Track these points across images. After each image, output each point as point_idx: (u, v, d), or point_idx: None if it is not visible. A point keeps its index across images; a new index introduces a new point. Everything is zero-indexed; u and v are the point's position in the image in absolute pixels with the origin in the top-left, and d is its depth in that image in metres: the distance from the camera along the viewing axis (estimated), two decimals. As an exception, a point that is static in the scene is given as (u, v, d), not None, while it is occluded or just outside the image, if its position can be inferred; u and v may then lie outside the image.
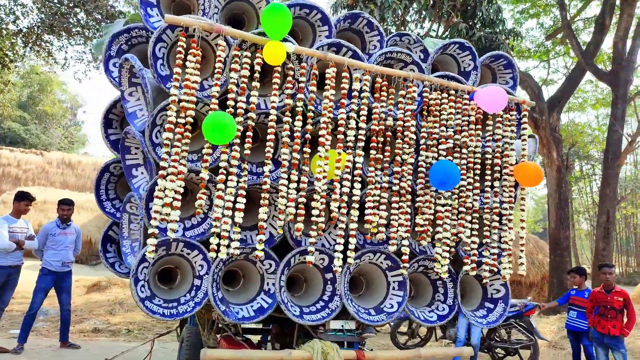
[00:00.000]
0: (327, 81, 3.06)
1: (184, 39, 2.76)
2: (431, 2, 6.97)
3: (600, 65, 14.90)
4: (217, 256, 2.89)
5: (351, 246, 3.07)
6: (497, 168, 3.50)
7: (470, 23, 7.74)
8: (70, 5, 9.27)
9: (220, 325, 4.04)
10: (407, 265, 3.26)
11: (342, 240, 3.02)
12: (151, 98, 2.89)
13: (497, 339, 7.03)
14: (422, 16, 7.56)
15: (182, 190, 2.71)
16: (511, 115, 3.58)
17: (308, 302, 3.44)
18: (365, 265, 3.49)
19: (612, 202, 12.08)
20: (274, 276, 3.27)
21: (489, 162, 3.50)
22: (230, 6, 3.50)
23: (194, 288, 3.18)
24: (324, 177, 2.99)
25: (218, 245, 2.84)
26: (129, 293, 11.94)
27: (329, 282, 3.41)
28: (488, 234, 3.43)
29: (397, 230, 3.18)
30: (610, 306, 5.93)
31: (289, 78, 3.07)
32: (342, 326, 3.34)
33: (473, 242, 3.37)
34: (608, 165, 12.02)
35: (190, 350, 4.75)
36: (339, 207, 3.04)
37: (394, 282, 3.49)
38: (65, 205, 6.33)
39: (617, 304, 5.90)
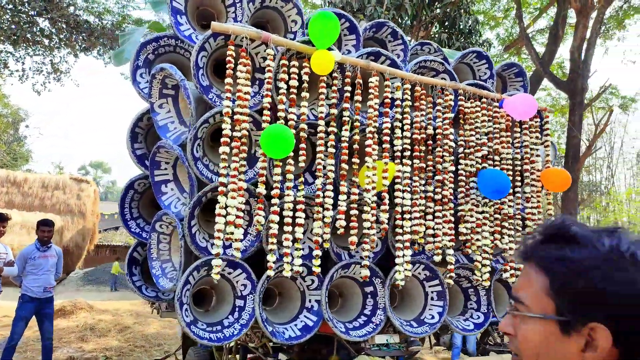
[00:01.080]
0: (370, 90, 3.01)
1: (233, 48, 2.63)
2: (415, 13, 7.09)
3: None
4: (267, 274, 2.74)
5: (407, 258, 3.01)
6: (527, 174, 3.56)
7: (449, 33, 7.94)
8: (32, 14, 8.73)
9: (246, 347, 3.88)
10: (453, 275, 3.23)
11: (402, 253, 2.96)
12: (194, 109, 2.73)
13: (491, 342, 7.16)
14: (404, 24, 7.66)
15: (243, 207, 2.56)
16: (535, 122, 3.66)
17: (347, 317, 3.34)
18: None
19: (573, 204, 12.67)
20: (315, 292, 3.16)
21: (519, 168, 3.55)
22: (257, 14, 3.39)
23: (237, 309, 3.01)
24: (373, 188, 2.92)
25: (277, 262, 2.70)
26: (98, 317, 11.35)
27: (369, 296, 3.33)
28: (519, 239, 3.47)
29: (442, 240, 3.15)
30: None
31: (334, 87, 3.00)
32: (387, 340, 3.27)
33: (510, 249, 3.40)
34: (569, 168, 12.63)
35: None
36: (389, 218, 2.98)
37: (432, 292, 3.46)
38: (46, 227, 5.93)
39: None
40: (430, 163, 3.20)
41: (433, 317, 3.39)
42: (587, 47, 12.84)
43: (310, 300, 3.18)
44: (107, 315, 11.15)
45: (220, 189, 2.55)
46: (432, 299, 3.46)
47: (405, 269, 3.03)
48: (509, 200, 3.44)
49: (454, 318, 3.60)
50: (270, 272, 2.78)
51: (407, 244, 3.04)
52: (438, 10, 7.40)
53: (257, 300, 2.91)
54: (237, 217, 2.54)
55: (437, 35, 7.76)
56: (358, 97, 2.96)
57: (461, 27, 7.93)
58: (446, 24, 8.23)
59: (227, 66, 2.62)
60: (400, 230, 3.03)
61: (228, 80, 2.61)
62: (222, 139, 2.56)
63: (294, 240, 2.70)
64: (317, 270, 2.83)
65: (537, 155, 3.62)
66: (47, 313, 5.92)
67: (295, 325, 3.12)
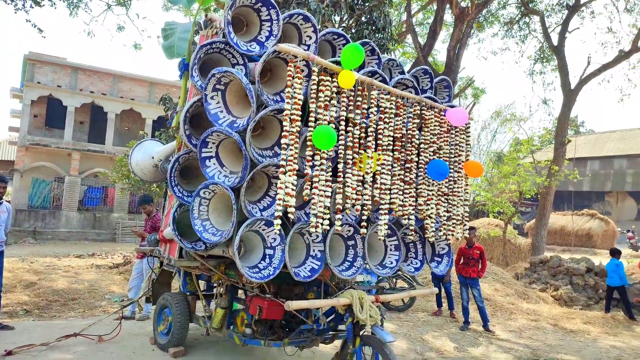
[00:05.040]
0: (371, 101, 4.16)
1: (292, 66, 3.56)
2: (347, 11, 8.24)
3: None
4: (314, 231, 3.77)
5: (385, 221, 4.27)
6: (456, 164, 5.04)
7: (370, 29, 9.26)
8: None
9: (242, 287, 4.85)
10: (414, 232, 4.61)
11: (383, 217, 4.21)
12: (255, 106, 3.62)
13: (385, 287, 8.94)
14: (330, 18, 8.77)
15: (296, 182, 3.56)
16: (462, 126, 5.14)
17: (336, 262, 4.53)
18: (371, 233, 4.73)
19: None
20: (319, 244, 4.28)
21: (453, 159, 5.02)
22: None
23: (267, 256, 4.02)
24: (369, 171, 4.12)
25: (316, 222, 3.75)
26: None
27: (350, 248, 4.56)
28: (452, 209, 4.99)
29: (408, 209, 4.49)
30: (471, 257, 8.25)
31: (343, 95, 4.08)
32: (364, 279, 4.55)
33: (444, 215, 4.88)
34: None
35: (183, 316, 5.39)
36: (379, 193, 4.21)
37: (391, 245, 4.81)
38: (1, 183, 6.05)
39: (476, 255, 8.25)
40: (402, 155, 4.49)
41: (392, 263, 4.76)
42: (459, 46, 15.27)
43: (314, 250, 4.30)
44: (5, 272, 10.74)
45: (281, 169, 3.52)
46: (390, 250, 4.82)
47: (384, 228, 4.31)
48: (445, 182, 4.90)
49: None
50: (313, 230, 3.77)
51: (386, 211, 4.31)
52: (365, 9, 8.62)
53: (287, 250, 3.96)
54: (292, 189, 3.54)
55: (359, 30, 9.01)
56: (365, 105, 4.09)
57: (377, 24, 9.29)
58: (362, 19, 9.52)
59: (287, 79, 3.55)
60: (382, 201, 4.28)
61: (288, 90, 3.54)
62: (283, 133, 3.51)
63: (325, 207, 3.79)
64: (339, 229, 3.95)
65: (462, 150, 5.13)
66: (-1, 266, 6.11)
67: (305, 268, 4.23)
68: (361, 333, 4.29)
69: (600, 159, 35.40)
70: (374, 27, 9.12)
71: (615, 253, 10.25)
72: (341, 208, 4.10)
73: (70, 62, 24.90)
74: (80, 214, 24.19)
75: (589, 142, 37.26)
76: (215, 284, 5.75)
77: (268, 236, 4.02)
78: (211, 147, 3.94)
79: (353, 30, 9.47)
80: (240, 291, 5.36)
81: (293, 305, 3.91)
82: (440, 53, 25.21)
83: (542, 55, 19.78)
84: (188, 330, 5.56)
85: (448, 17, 17.97)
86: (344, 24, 9.08)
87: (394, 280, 9.02)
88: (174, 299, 5.55)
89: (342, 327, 4.87)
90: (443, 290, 8.99)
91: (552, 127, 22.36)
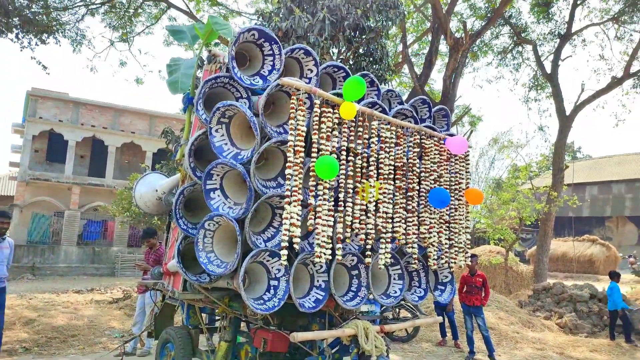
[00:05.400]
0: (372, 131, 4.24)
1: (295, 99, 3.65)
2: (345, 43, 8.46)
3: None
4: (317, 262, 3.79)
5: (388, 249, 4.29)
6: (456, 192, 5.09)
7: (367, 60, 9.48)
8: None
9: (245, 319, 4.82)
10: (416, 261, 4.61)
11: (385, 246, 4.23)
12: (259, 138, 3.69)
13: (389, 318, 8.86)
14: (328, 51, 8.98)
15: (300, 213, 3.59)
16: (462, 155, 5.22)
17: (340, 292, 4.51)
18: (375, 262, 4.73)
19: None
20: (323, 274, 4.28)
21: (453, 187, 5.07)
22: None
23: (272, 287, 4.02)
24: (372, 200, 4.16)
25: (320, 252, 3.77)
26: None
27: (354, 277, 4.56)
28: (454, 237, 5.00)
29: (411, 237, 4.51)
30: (474, 285, 8.21)
31: (344, 126, 4.15)
32: (368, 309, 4.53)
33: (446, 243, 4.90)
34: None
35: (185, 350, 5.33)
36: (382, 221, 4.24)
37: (394, 274, 4.81)
38: (4, 219, 6.08)
39: (478, 283, 8.21)
40: (403, 183, 4.54)
41: (396, 292, 4.74)
42: (454, 76, 15.56)
43: (318, 280, 4.30)
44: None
45: (285, 200, 3.56)
46: (394, 279, 4.81)
47: (386, 257, 4.33)
48: (446, 210, 4.93)
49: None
50: (322, 260, 3.78)
51: (389, 239, 4.33)
52: (363, 42, 8.84)
53: (291, 280, 3.96)
54: (297, 219, 3.58)
55: (357, 62, 9.22)
56: (366, 135, 4.17)
57: (375, 56, 9.50)
58: (360, 51, 9.75)
59: (291, 111, 3.63)
60: (384, 230, 4.30)
61: (292, 122, 3.62)
62: (287, 164, 3.57)
63: (329, 237, 3.81)
64: (340, 258, 3.97)
65: (462, 178, 5.19)
66: (0, 303, 6.07)
67: (310, 298, 4.22)
68: (367, 364, 4.25)
69: (599, 184, 35.51)
70: (371, 59, 9.33)
71: (614, 276, 10.20)
72: (342, 238, 4.12)
73: (72, 97, 25.25)
74: (79, 249, 24.06)
75: (587, 167, 37.46)
76: (218, 317, 5.69)
77: (272, 267, 4.03)
78: (215, 179, 4.00)
79: (351, 62, 9.69)
80: (243, 324, 5.31)
81: (299, 337, 3.88)
82: (436, 82, 25.72)
83: (536, 83, 20.12)
84: (192, 365, 5.49)
85: (443, 47, 18.38)
86: (342, 56, 9.30)
87: (397, 310, 8.94)
88: (176, 333, 5.49)
89: (346, 358, 4.81)
90: (447, 319, 8.90)
91: (549, 153, 22.55)
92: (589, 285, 12.31)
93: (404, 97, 17.61)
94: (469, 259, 8.44)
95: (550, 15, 18.29)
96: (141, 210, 5.71)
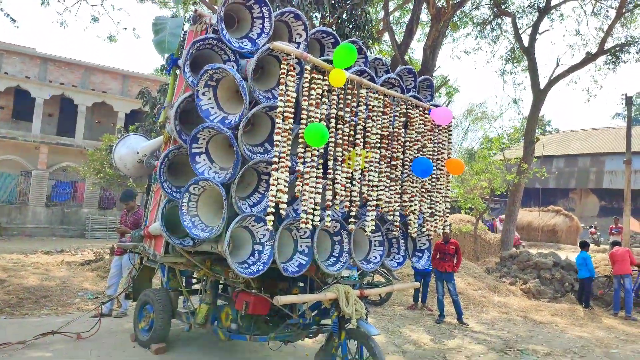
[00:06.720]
0: (360, 99, 4.24)
1: (285, 64, 3.60)
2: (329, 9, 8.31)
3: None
4: (305, 227, 3.82)
5: (372, 216, 4.36)
6: (439, 161, 5.17)
7: (350, 27, 9.36)
8: None
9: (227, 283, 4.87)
10: (398, 228, 4.71)
11: (370, 213, 4.30)
12: (247, 103, 3.64)
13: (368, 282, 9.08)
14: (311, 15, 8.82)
15: (288, 179, 3.60)
16: (445, 125, 5.28)
17: (322, 257, 4.59)
18: (357, 229, 4.82)
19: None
20: (306, 240, 4.35)
21: (436, 157, 5.15)
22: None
23: (256, 252, 4.06)
24: (358, 168, 4.20)
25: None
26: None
27: (337, 243, 4.64)
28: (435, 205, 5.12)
29: (393, 205, 4.59)
30: (447, 252, 8.47)
31: (333, 93, 4.14)
32: (349, 274, 4.64)
33: (426, 212, 5.01)
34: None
35: (165, 312, 5.38)
36: (367, 189, 4.30)
37: (375, 240, 4.91)
38: None
39: (451, 250, 8.48)
40: (388, 152, 4.59)
41: (376, 258, 4.86)
42: (435, 45, 15.52)
43: (301, 246, 4.36)
44: (-28, 270, 10.42)
45: (273, 166, 3.56)
46: (374, 245, 4.92)
47: (372, 225, 4.41)
48: (428, 179, 5.03)
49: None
50: (309, 226, 3.82)
51: (374, 207, 4.41)
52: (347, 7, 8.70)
53: (276, 246, 4.00)
54: (285, 186, 3.59)
55: (341, 28, 9.09)
56: (354, 103, 4.17)
57: (358, 22, 9.39)
58: (344, 16, 9.61)
59: (281, 77, 3.59)
60: (370, 197, 4.37)
61: (282, 87, 3.58)
62: (276, 130, 3.56)
63: (316, 203, 3.85)
64: (329, 224, 4.02)
65: (444, 149, 5.27)
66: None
67: (293, 263, 4.29)
68: (346, 327, 4.39)
69: (566, 157, 36.53)
70: (354, 25, 9.20)
71: (584, 246, 10.68)
72: (330, 204, 4.17)
73: (39, 52, 24.13)
74: (47, 209, 23.52)
75: (555, 140, 38.38)
76: (197, 280, 5.72)
77: (257, 232, 4.06)
78: (201, 143, 3.95)
79: (334, 28, 9.54)
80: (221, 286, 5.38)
81: (282, 300, 3.96)
82: (415, 52, 25.57)
83: (513, 56, 20.28)
84: (170, 327, 5.55)
85: (424, 16, 18.24)
86: (325, 22, 9.14)
87: (372, 275, 9.17)
88: (156, 295, 5.52)
89: (325, 321, 4.95)
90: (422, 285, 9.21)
91: (521, 126, 22.99)
92: (553, 254, 12.86)
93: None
94: (448, 227, 8.74)
95: (530, -13, 18.30)
96: (120, 172, 5.61)
